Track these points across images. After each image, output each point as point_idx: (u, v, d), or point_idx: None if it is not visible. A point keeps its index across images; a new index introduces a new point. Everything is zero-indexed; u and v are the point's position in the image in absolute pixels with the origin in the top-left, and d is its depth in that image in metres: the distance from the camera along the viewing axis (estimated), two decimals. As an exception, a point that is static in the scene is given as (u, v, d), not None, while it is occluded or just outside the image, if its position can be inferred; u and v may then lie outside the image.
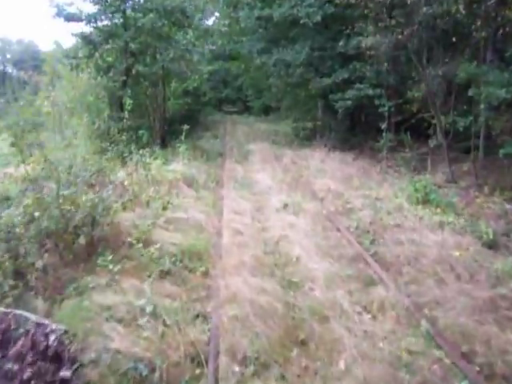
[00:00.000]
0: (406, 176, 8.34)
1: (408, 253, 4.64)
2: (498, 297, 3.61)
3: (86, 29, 9.93)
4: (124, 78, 9.92)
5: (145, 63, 10.24)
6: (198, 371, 2.75)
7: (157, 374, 2.62)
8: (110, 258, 3.15)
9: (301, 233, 5.18)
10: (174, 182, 7.07)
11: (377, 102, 9.85)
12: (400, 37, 8.33)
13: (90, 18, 9.73)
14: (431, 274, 4.13)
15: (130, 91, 9.31)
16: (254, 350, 2.85)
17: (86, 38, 9.87)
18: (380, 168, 9.31)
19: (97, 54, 9.90)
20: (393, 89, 10.51)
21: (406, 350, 2.97)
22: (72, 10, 9.62)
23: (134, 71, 10.15)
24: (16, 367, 2.45)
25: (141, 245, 4.03)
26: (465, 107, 7.91)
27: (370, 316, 3.42)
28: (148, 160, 7.25)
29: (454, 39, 7.92)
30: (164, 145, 10.86)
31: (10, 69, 44.63)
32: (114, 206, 4.75)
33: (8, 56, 47.62)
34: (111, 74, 9.81)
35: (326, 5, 10.63)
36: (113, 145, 7.17)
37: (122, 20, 9.89)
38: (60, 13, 9.51)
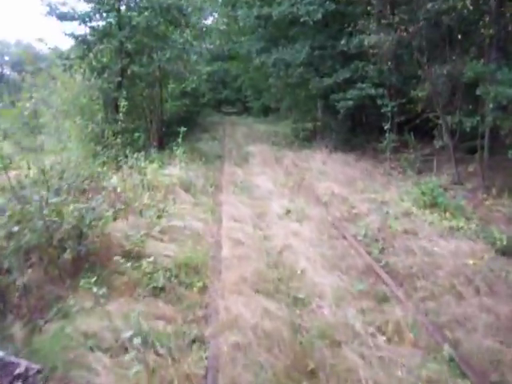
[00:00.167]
0: (411, 178, 8.11)
1: (421, 263, 4.37)
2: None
3: (80, 28, 9.66)
4: (119, 78, 9.64)
5: (141, 64, 9.93)
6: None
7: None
8: (94, 279, 2.82)
9: (305, 242, 4.86)
10: (171, 186, 6.77)
11: (379, 101, 9.60)
12: (404, 34, 8.08)
13: (84, 17, 9.43)
14: (448, 288, 3.83)
15: (125, 92, 8.99)
16: (258, 385, 2.51)
17: (79, 38, 9.57)
18: (384, 169, 9.07)
19: (91, 55, 9.60)
20: (395, 88, 10.27)
21: (427, 381, 2.64)
22: (65, 8, 9.35)
23: (129, 72, 9.87)
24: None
25: (132, 261, 3.69)
26: (470, 107, 7.68)
27: (384, 338, 3.08)
28: (143, 164, 6.97)
29: (459, 36, 7.67)
30: (161, 147, 10.55)
31: (7, 71, 44.27)
32: (106, 214, 4.44)
33: (6, 58, 47.25)
34: (106, 75, 9.51)
35: (327, 2, 10.34)
36: (106, 148, 6.88)
37: (116, 19, 9.57)
38: (52, 11, 9.20)
